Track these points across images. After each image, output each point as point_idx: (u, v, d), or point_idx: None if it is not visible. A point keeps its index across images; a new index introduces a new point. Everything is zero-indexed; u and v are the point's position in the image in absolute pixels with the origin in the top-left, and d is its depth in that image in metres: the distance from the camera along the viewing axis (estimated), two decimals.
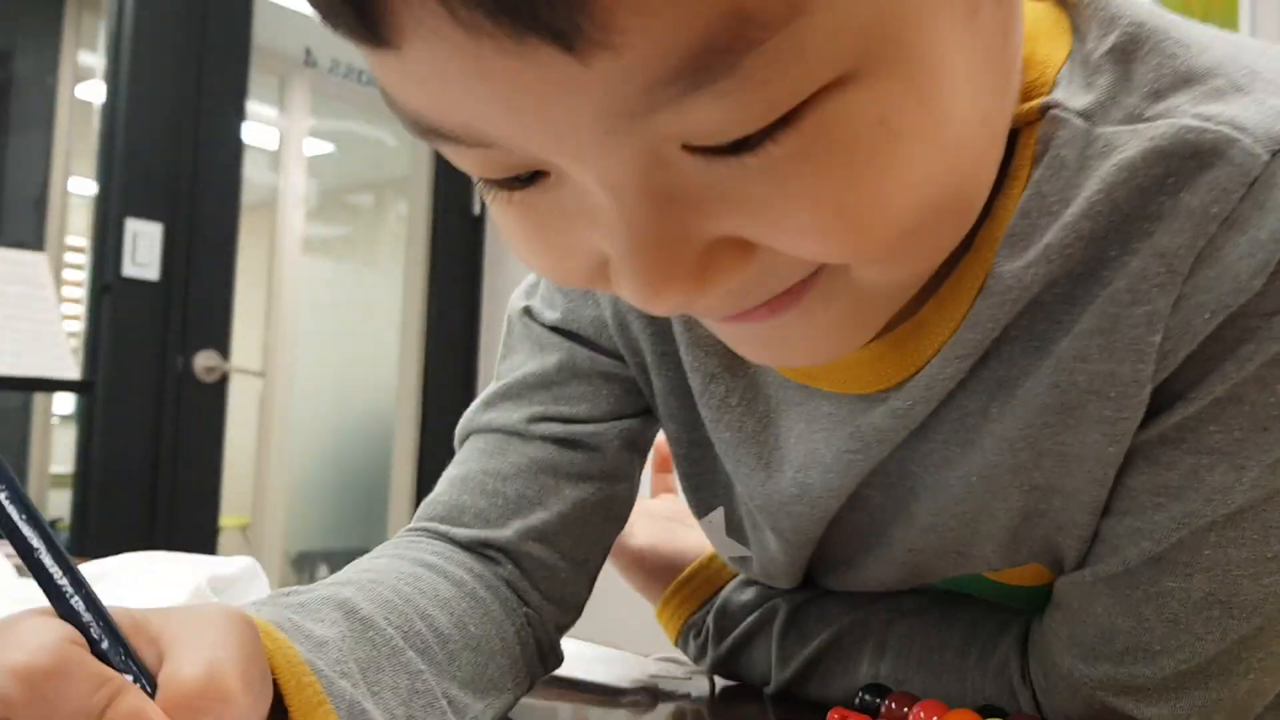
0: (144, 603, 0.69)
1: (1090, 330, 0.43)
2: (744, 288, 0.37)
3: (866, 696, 0.54)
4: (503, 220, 0.38)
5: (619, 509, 0.62)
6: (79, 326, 2.56)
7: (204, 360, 2.48)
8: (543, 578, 0.58)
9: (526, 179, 0.35)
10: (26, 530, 0.32)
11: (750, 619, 0.64)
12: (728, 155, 0.32)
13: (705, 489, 0.60)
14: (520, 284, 0.65)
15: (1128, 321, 0.42)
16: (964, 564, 0.52)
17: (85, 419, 2.43)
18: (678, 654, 0.72)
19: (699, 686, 0.66)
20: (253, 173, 2.72)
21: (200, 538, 2.55)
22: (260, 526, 2.94)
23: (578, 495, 0.59)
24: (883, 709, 0.53)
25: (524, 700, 0.61)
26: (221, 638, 0.33)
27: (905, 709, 0.52)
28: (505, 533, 0.57)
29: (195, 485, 2.52)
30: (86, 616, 0.32)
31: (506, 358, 0.64)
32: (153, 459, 2.44)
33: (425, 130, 0.33)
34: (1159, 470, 0.44)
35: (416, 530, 0.59)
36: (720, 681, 0.67)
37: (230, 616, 0.34)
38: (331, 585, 0.47)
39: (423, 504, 0.60)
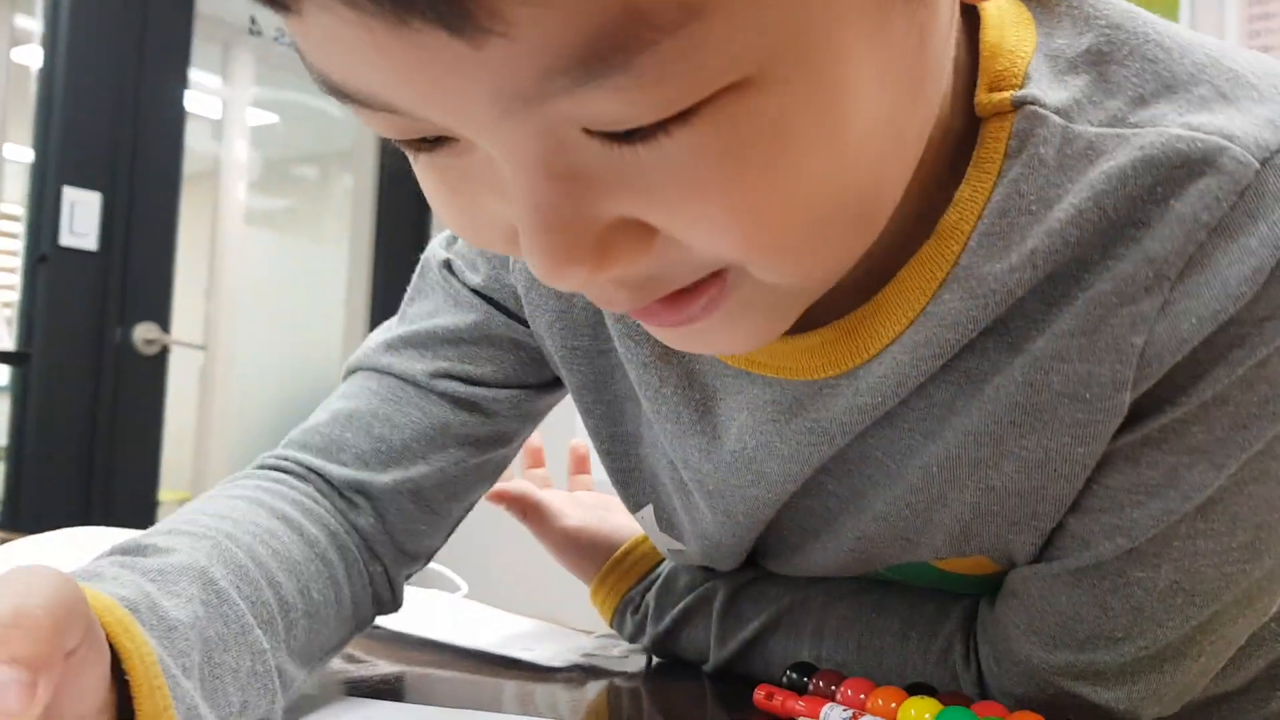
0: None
1: (1070, 331, 0.43)
2: (646, 277, 0.37)
3: (793, 674, 0.55)
4: (421, 178, 0.39)
5: (494, 470, 0.63)
6: (14, 297, 2.50)
7: (143, 332, 2.45)
8: (402, 530, 0.59)
9: (434, 141, 0.35)
10: None
11: (690, 598, 0.65)
12: (624, 142, 0.32)
13: (633, 485, 0.61)
14: (441, 232, 0.64)
15: (1111, 323, 0.42)
16: (911, 552, 0.53)
17: (20, 391, 2.39)
18: (614, 633, 0.73)
19: (635, 664, 0.67)
20: (195, 142, 2.67)
21: (139, 512, 2.52)
22: None
23: (461, 456, 0.59)
24: (810, 686, 0.54)
25: (461, 676, 0.62)
26: (43, 574, 0.32)
27: (833, 686, 0.53)
28: (382, 479, 0.57)
29: (134, 459, 2.49)
30: None
31: (416, 301, 0.63)
32: (89, 432, 2.40)
33: (332, 90, 0.34)
34: (1140, 470, 0.45)
35: (288, 461, 0.58)
36: (656, 660, 0.68)
37: (66, 579, 0.33)
38: (190, 539, 0.46)
39: (299, 429, 0.60)
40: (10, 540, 1.00)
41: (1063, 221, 0.42)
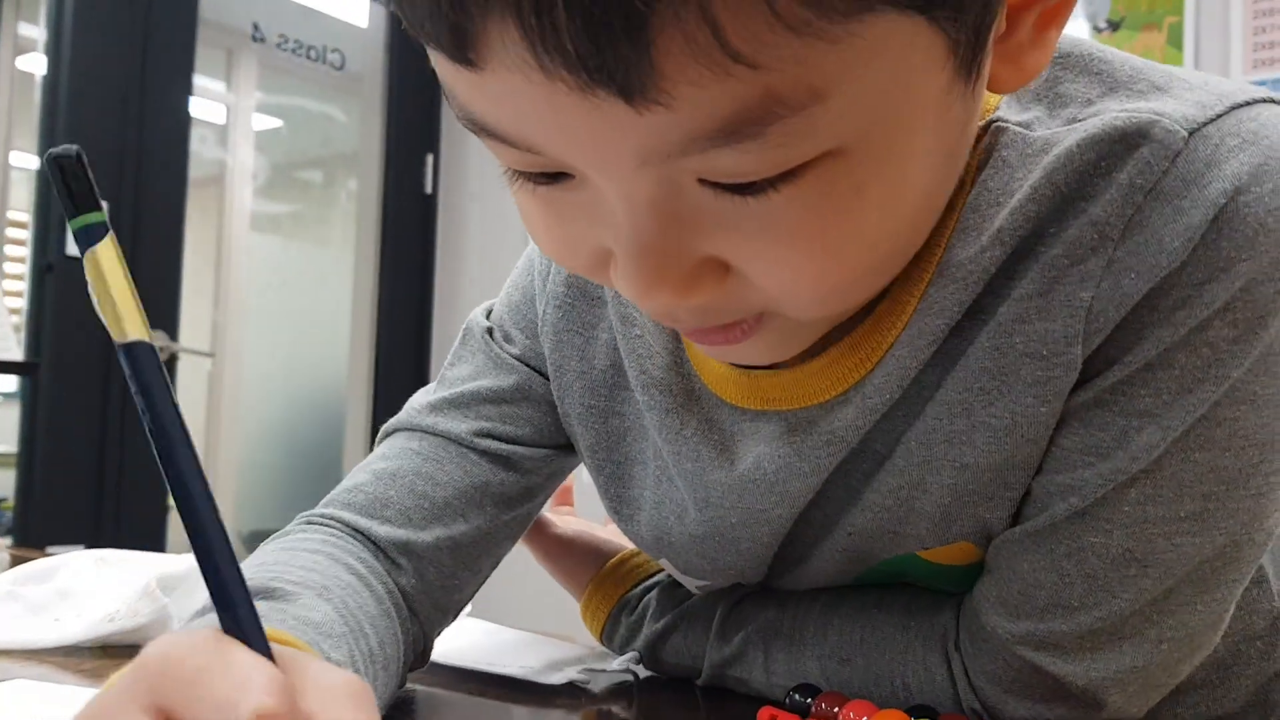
0: (90, 603, 0.70)
1: (1028, 294, 0.47)
2: (712, 306, 0.42)
3: (796, 696, 0.56)
4: (524, 205, 0.43)
5: (521, 526, 0.65)
6: (21, 304, 2.51)
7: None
8: (440, 587, 0.61)
9: (554, 175, 0.40)
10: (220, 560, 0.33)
11: (694, 600, 0.66)
12: (735, 193, 0.38)
13: (639, 543, 0.64)
14: (482, 304, 0.68)
15: (1063, 283, 0.46)
16: (899, 544, 0.55)
17: (29, 400, 2.40)
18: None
19: (631, 681, 0.68)
20: (200, 148, 2.69)
21: (150, 517, 2.54)
22: None
23: (498, 514, 0.62)
24: (813, 709, 0.55)
25: (457, 696, 0.63)
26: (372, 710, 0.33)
27: (835, 709, 0.54)
28: (425, 537, 0.59)
29: (144, 467, 2.50)
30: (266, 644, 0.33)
31: (456, 365, 0.66)
32: (99, 441, 2.42)
33: (480, 129, 0.38)
34: (1091, 431, 0.48)
35: (334, 522, 0.60)
36: (650, 679, 0.69)
37: (358, 687, 0.34)
38: (304, 591, 0.49)
39: (340, 490, 0.62)
40: (27, 558, 1.01)
41: (1022, 200, 0.46)
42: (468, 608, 0.70)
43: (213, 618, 0.43)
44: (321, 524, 0.59)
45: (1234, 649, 0.58)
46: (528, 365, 0.63)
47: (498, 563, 0.65)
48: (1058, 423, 0.48)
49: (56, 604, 0.70)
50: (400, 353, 3.01)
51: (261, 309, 3.21)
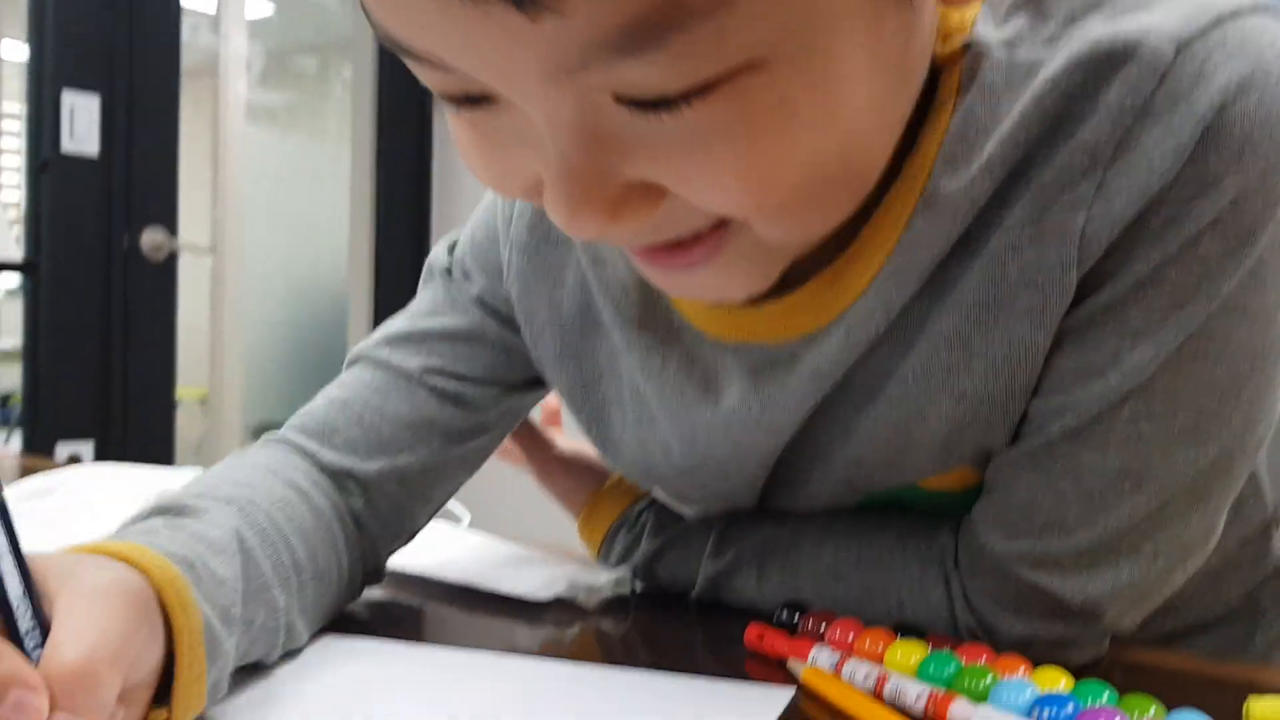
0: (94, 520, 0.70)
1: (1020, 222, 0.46)
2: (654, 225, 0.42)
3: (785, 613, 0.56)
4: (457, 132, 0.43)
5: (475, 459, 0.66)
6: (19, 202, 2.49)
7: (151, 238, 2.44)
8: (389, 513, 0.63)
9: (478, 99, 0.39)
10: None
11: (690, 518, 0.67)
12: (650, 111, 0.36)
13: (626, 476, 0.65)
14: (446, 236, 0.69)
15: (1054, 208, 0.46)
16: (899, 475, 0.55)
17: (31, 298, 2.40)
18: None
19: (623, 595, 0.68)
20: (191, 37, 2.63)
21: (157, 412, 2.56)
22: (219, 398, 2.95)
23: (445, 448, 0.63)
24: (800, 626, 0.56)
25: (447, 611, 0.64)
26: (108, 619, 0.35)
27: (822, 626, 0.55)
28: (369, 467, 0.61)
29: (149, 362, 2.51)
30: (5, 561, 0.34)
31: (420, 298, 0.67)
32: (102, 338, 2.42)
33: (393, 44, 0.38)
34: (1085, 351, 0.48)
35: (286, 444, 0.62)
36: (642, 593, 0.70)
37: (125, 595, 0.37)
38: (220, 505, 0.51)
39: (300, 413, 0.64)
40: (38, 468, 1.02)
41: (1011, 128, 0.46)
42: (465, 518, 0.71)
43: (133, 525, 0.46)
44: (277, 444, 0.62)
45: (1226, 556, 0.59)
46: (485, 306, 0.64)
47: (452, 492, 0.66)
48: (1054, 343, 0.48)
49: (59, 520, 0.70)
50: (400, 242, 2.99)
51: (260, 203, 3.18)
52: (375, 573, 0.64)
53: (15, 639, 0.34)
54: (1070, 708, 0.43)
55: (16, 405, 2.60)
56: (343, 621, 0.59)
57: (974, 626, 0.55)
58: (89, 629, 0.34)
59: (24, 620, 0.34)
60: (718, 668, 0.52)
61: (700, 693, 0.49)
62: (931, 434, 0.52)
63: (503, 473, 0.70)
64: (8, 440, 2.79)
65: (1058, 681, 0.47)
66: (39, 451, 2.37)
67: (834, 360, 0.52)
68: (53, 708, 0.32)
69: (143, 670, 0.38)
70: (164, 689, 0.40)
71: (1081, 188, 0.45)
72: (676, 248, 0.43)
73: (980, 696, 0.46)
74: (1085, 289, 0.47)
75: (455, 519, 0.83)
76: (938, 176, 0.47)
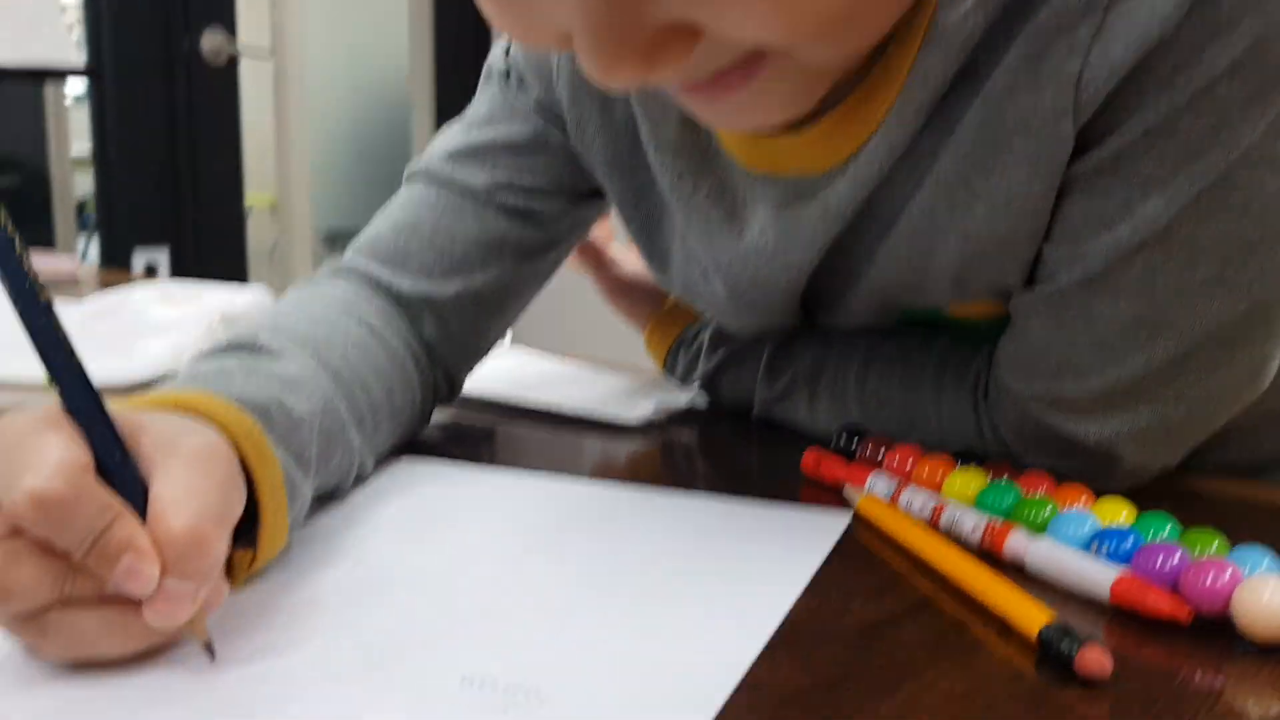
0: (156, 341, 0.72)
1: (1016, 64, 0.44)
2: (693, 64, 0.39)
3: (842, 438, 0.56)
4: None
5: (547, 273, 0.66)
6: (76, 1, 2.46)
7: (211, 41, 2.41)
8: (464, 335, 0.63)
9: None
10: (41, 331, 0.33)
11: (743, 340, 0.67)
12: None
13: (672, 291, 0.65)
14: (501, 38, 0.65)
15: (1051, 52, 0.43)
16: (922, 298, 0.55)
17: (97, 104, 2.40)
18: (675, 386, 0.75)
19: (685, 408, 0.69)
20: None
21: (228, 219, 2.59)
22: (288, 205, 2.96)
23: (517, 265, 0.63)
24: (859, 451, 0.55)
25: (525, 433, 0.65)
26: (210, 484, 0.35)
27: (880, 451, 0.54)
28: (445, 291, 0.61)
29: (216, 167, 2.52)
30: (98, 426, 0.34)
31: (479, 103, 0.65)
32: (169, 145, 2.43)
33: None
34: (1096, 200, 0.46)
35: (358, 275, 0.61)
36: (707, 407, 0.70)
37: (220, 458, 0.37)
38: (295, 343, 0.51)
39: (365, 237, 0.63)
40: (114, 282, 1.04)
41: None
42: (504, 341, 0.71)
43: (208, 364, 0.46)
44: (347, 276, 0.62)
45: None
46: (545, 112, 0.62)
47: (525, 307, 0.66)
48: (1062, 191, 0.47)
49: (126, 340, 0.72)
50: (461, 42, 2.92)
51: (318, 3, 3.11)
52: (450, 395, 0.65)
53: None
54: (1130, 542, 0.42)
55: (92, 213, 2.64)
56: (416, 445, 0.60)
57: (1003, 456, 0.56)
58: (193, 494, 0.34)
59: (124, 485, 0.34)
60: (774, 492, 0.52)
61: (755, 518, 0.49)
62: (944, 267, 0.52)
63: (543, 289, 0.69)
64: (87, 248, 2.85)
65: (1119, 514, 0.46)
66: (116, 260, 2.42)
67: (844, 198, 0.51)
68: (161, 573, 0.33)
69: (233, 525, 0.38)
70: (242, 529, 0.40)
71: (1080, 31, 0.42)
72: (715, 79, 0.41)
73: (1039, 528, 0.45)
74: (1089, 139, 0.45)
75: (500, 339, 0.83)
76: (941, 8, 0.45)
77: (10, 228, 0.33)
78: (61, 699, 0.32)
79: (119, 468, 0.34)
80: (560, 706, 0.32)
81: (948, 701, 0.33)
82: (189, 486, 0.34)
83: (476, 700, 0.32)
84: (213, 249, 2.55)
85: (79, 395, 0.34)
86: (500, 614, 0.39)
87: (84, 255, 2.88)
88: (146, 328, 0.73)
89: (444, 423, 0.66)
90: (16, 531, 0.32)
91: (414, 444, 0.60)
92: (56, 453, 0.33)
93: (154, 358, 0.70)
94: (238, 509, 0.37)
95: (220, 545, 0.34)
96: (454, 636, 0.37)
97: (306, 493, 0.45)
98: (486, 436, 0.65)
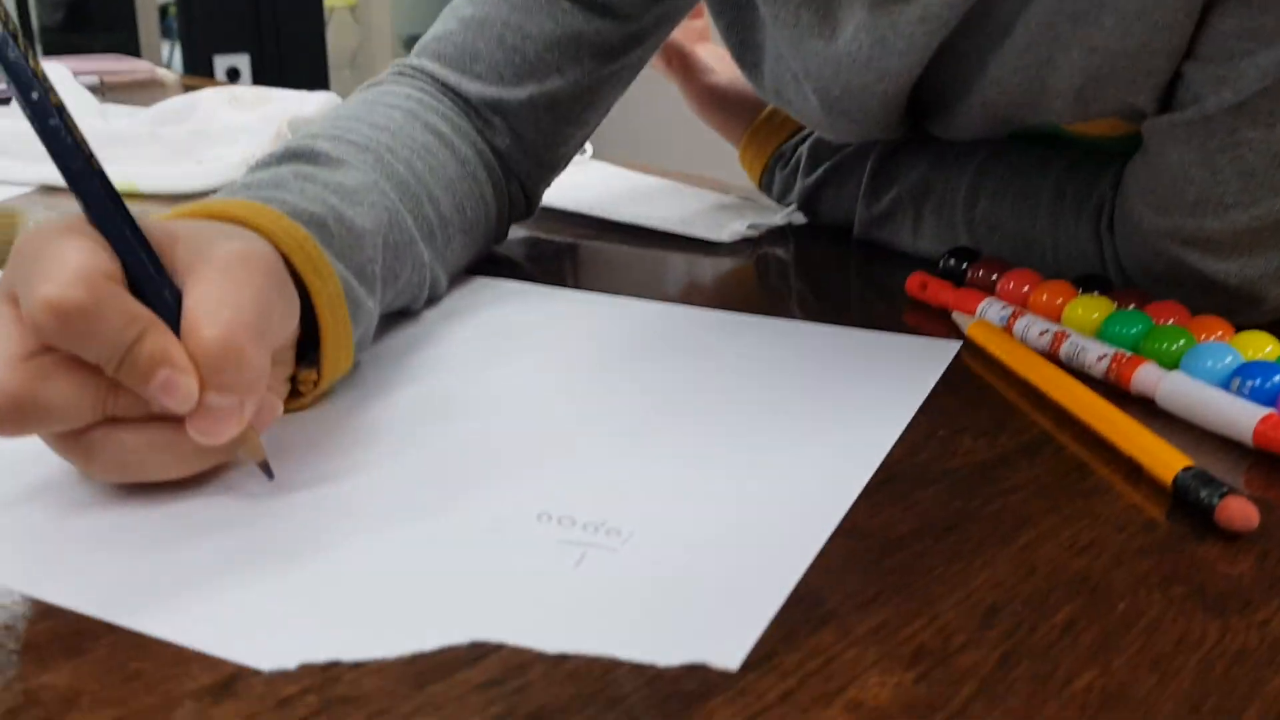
0: (227, 148, 0.69)
1: None
2: None
3: (952, 261, 0.52)
4: None
5: (629, 76, 0.60)
6: None
7: None
8: (539, 143, 0.57)
9: None
10: (53, 135, 0.30)
11: (846, 150, 0.63)
12: None
13: (763, 92, 0.59)
14: None
15: None
16: (1037, 115, 0.51)
17: None
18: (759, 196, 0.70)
19: (780, 228, 0.65)
20: None
21: (308, 23, 2.54)
22: (368, 6, 2.90)
23: (596, 67, 0.57)
24: (969, 274, 0.51)
25: (593, 250, 0.61)
26: (243, 291, 0.32)
27: (993, 276, 0.50)
28: (518, 94, 0.55)
29: None
30: (124, 234, 0.31)
31: None
32: None
33: None
34: (1251, 13, 0.42)
35: (423, 76, 0.56)
36: (810, 240, 0.66)
37: (256, 264, 0.33)
38: (356, 151, 0.46)
39: (431, 35, 0.58)
40: (197, 86, 1.01)
41: None
42: (588, 149, 0.67)
43: (261, 174, 0.42)
44: (413, 76, 0.57)
45: None
46: None
47: (605, 113, 0.60)
48: (1210, 2, 0.42)
49: (195, 145, 0.69)
50: None
51: None
52: (526, 211, 0.60)
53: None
54: (1277, 378, 0.38)
55: (174, 19, 2.61)
56: (491, 263, 0.57)
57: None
58: (224, 303, 0.31)
59: (156, 298, 0.31)
60: (874, 319, 0.49)
61: (854, 345, 0.45)
62: (1064, 84, 0.47)
63: (623, 100, 0.64)
64: (171, 55, 2.82)
65: (1264, 347, 0.41)
66: (198, 67, 2.40)
67: (945, 3, 0.47)
68: (202, 388, 0.30)
69: (281, 339, 0.35)
70: (306, 349, 0.38)
71: None
72: None
73: (1171, 362, 0.41)
74: None
75: (580, 149, 0.78)
76: None
77: (11, 24, 0.30)
78: (109, 524, 0.31)
79: (150, 279, 0.31)
80: (644, 548, 0.30)
81: (1069, 553, 0.30)
82: (221, 294, 0.31)
83: (554, 537, 0.30)
84: (293, 54, 2.51)
85: (99, 203, 0.31)
86: (579, 445, 0.36)
87: (168, 62, 2.86)
88: (216, 133, 0.70)
89: (521, 239, 0.63)
90: (49, 347, 0.30)
91: (489, 262, 0.57)
92: (75, 259, 0.29)
93: (225, 164, 0.67)
94: (282, 321, 0.34)
95: (257, 356, 0.31)
96: (529, 468, 0.34)
97: (372, 310, 0.41)
98: (566, 254, 0.62)
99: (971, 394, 0.41)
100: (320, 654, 0.25)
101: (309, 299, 0.36)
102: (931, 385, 0.41)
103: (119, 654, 0.25)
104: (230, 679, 0.24)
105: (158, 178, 0.67)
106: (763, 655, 0.25)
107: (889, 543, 0.30)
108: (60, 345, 0.29)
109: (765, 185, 0.68)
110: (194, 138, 0.69)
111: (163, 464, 0.31)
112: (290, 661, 0.24)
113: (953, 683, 0.24)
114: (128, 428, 0.31)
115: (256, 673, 0.24)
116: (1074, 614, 0.27)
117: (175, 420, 0.31)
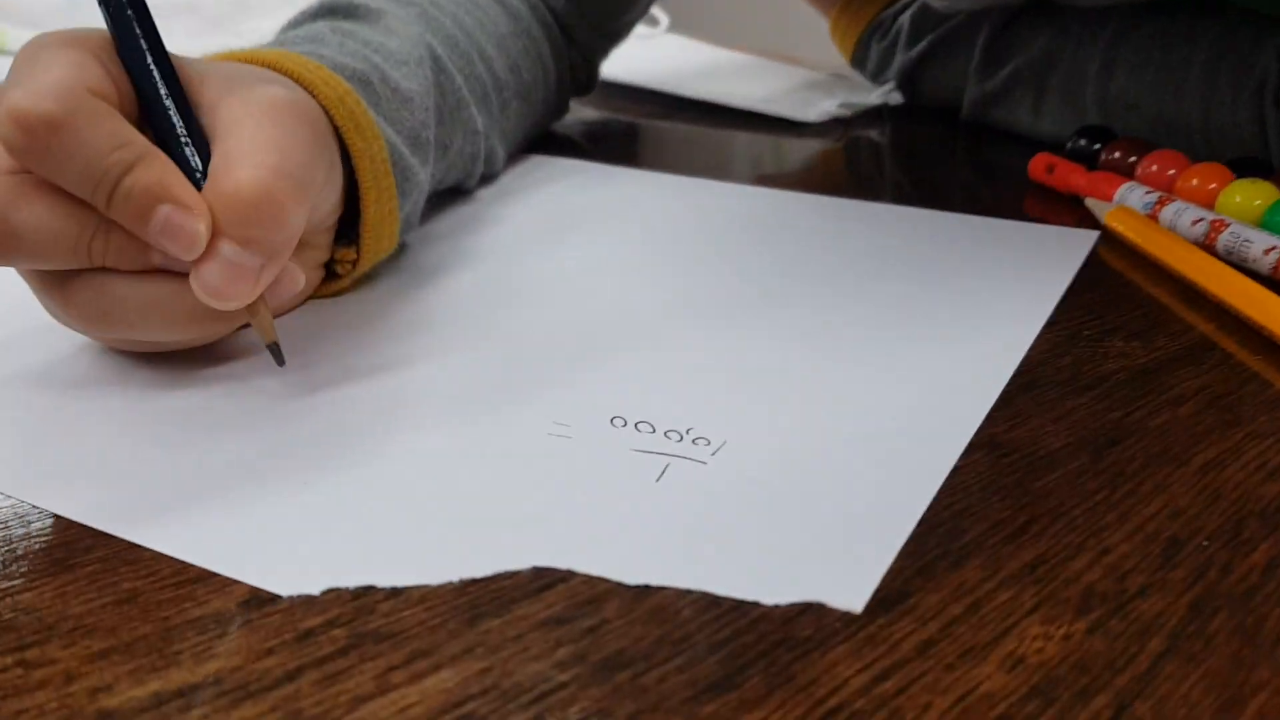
0: (267, 20, 0.64)
1: None
2: None
3: (1083, 141, 0.45)
4: None
5: None
6: None
7: None
8: (598, 8, 0.52)
9: None
10: None
11: (956, 19, 0.56)
12: None
13: None
14: None
15: None
16: None
17: None
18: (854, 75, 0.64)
19: (875, 107, 0.59)
20: None
21: None
22: None
23: None
24: (1102, 157, 0.44)
25: (666, 129, 0.56)
26: (288, 139, 0.27)
27: (1132, 158, 0.43)
28: None
29: None
30: (142, 55, 0.26)
31: None
32: None
33: None
34: None
35: None
36: (901, 107, 0.60)
37: (301, 113, 0.28)
38: (399, 7, 0.41)
39: None
40: None
41: None
42: (663, 22, 0.61)
43: (297, 30, 0.37)
44: None
45: None
46: None
47: None
48: None
49: (233, 16, 0.64)
50: None
51: None
52: (587, 83, 0.55)
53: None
54: None
55: None
56: (550, 141, 0.52)
57: None
58: (265, 148, 0.26)
59: (168, 132, 0.26)
60: (989, 208, 0.43)
61: (979, 232, 0.40)
62: None
63: None
64: None
65: None
66: None
67: None
68: (216, 233, 0.25)
69: (323, 209, 0.30)
70: (347, 226, 0.33)
71: None
72: None
73: None
74: None
75: (653, 21, 0.72)
76: None
77: None
78: (98, 416, 0.26)
79: (164, 113, 0.26)
80: (737, 461, 0.25)
81: (1258, 476, 0.25)
82: (261, 138, 0.26)
83: (630, 444, 0.25)
84: None
85: (120, 14, 0.26)
86: (654, 342, 0.31)
87: None
88: (255, 3, 0.65)
89: (586, 117, 0.57)
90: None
91: (549, 139, 0.52)
92: (59, 70, 0.25)
93: (263, 37, 0.62)
94: (325, 179, 0.29)
95: (295, 211, 0.26)
96: (600, 366, 0.29)
97: (423, 181, 0.36)
98: (633, 135, 0.56)
99: (1114, 290, 0.35)
100: (351, 579, 0.20)
101: (349, 165, 0.31)
102: (1069, 279, 0.35)
103: (110, 571, 0.21)
104: (242, 605, 0.20)
105: (192, 52, 0.62)
106: (893, 596, 0.20)
107: (1037, 460, 0.25)
108: (30, 166, 0.25)
109: (859, 61, 0.62)
110: (233, 8, 0.65)
111: (149, 322, 0.26)
112: (314, 586, 0.20)
113: (1135, 635, 0.19)
114: (117, 276, 0.26)
115: (274, 598, 0.20)
116: (1276, 552, 0.22)
117: (178, 277, 0.26)
